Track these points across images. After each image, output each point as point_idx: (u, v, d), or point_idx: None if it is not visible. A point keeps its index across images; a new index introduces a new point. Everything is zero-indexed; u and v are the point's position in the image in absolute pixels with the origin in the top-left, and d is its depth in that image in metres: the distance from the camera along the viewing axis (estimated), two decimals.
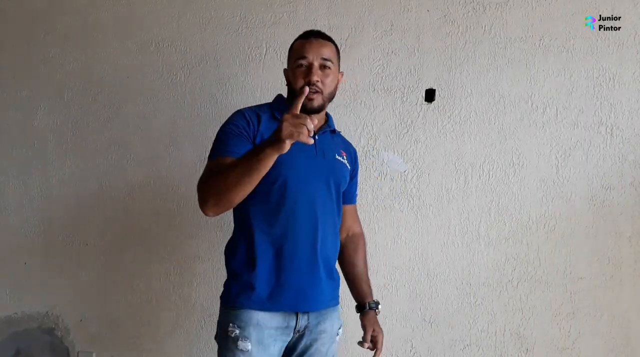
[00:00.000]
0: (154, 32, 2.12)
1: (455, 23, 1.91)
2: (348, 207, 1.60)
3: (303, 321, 1.39)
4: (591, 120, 1.82)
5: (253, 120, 1.40)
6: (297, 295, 1.37)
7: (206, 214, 1.32)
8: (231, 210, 1.41)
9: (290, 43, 1.49)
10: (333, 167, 1.48)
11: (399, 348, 1.89)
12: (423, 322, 1.88)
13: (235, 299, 1.36)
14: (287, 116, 1.16)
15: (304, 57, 1.41)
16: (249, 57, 2.04)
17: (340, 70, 1.51)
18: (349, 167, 1.55)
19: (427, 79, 1.92)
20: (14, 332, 2.19)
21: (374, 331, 1.51)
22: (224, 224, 1.90)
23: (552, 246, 1.83)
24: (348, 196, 1.59)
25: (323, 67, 1.41)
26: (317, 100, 1.40)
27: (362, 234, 1.66)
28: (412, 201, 1.91)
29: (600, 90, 1.82)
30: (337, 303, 1.49)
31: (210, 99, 2.05)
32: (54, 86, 2.20)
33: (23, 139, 2.23)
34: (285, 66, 1.52)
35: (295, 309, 1.38)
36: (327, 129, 1.51)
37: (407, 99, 1.93)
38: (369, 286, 1.59)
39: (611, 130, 1.81)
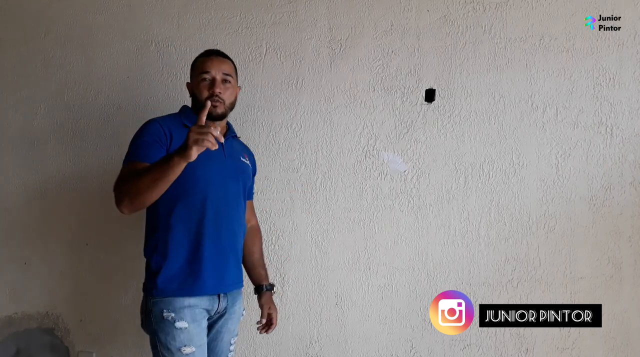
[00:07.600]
0: (154, 32, 2.13)
1: (455, 23, 1.91)
2: (247, 203, 1.76)
3: (223, 302, 1.57)
4: (591, 120, 1.82)
5: (166, 130, 1.52)
6: (219, 280, 1.54)
7: (122, 212, 1.45)
8: (145, 213, 1.56)
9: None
10: (241, 168, 1.69)
11: (399, 348, 1.89)
12: (423, 322, 1.88)
13: (167, 289, 1.49)
14: (193, 127, 1.31)
15: (207, 72, 1.58)
16: (249, 57, 2.04)
17: (238, 85, 1.72)
18: (251, 167, 1.76)
19: (427, 79, 1.92)
20: (14, 332, 2.19)
21: (269, 308, 1.73)
22: None
23: (552, 246, 1.83)
24: (249, 192, 1.79)
25: (224, 81, 1.59)
26: (220, 109, 1.57)
27: (258, 227, 1.86)
28: (412, 201, 1.91)
29: (600, 90, 1.82)
30: (242, 285, 1.68)
31: None
32: (54, 86, 2.21)
33: (23, 139, 2.23)
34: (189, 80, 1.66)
35: (217, 292, 1.55)
36: (230, 135, 1.69)
37: (407, 99, 1.93)
38: (265, 271, 1.79)
39: (611, 130, 1.81)
